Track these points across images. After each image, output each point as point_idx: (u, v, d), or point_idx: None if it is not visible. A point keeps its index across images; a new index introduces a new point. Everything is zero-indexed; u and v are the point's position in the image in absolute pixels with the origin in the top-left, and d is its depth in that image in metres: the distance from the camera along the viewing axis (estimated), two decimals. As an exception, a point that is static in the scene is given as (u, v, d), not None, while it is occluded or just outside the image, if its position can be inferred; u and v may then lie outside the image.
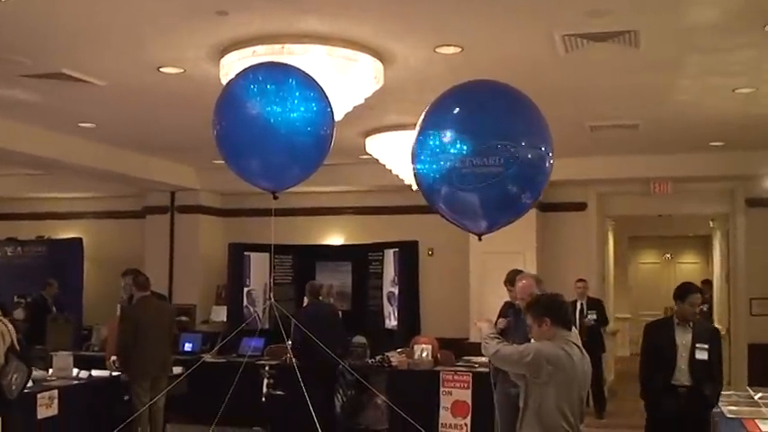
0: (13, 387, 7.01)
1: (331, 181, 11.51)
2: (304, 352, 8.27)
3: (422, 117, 4.36)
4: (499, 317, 7.08)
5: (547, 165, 4.26)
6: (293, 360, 8.03)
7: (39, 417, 7.49)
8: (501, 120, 4.24)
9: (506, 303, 7.12)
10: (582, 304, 11.03)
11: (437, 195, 4.24)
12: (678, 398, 6.36)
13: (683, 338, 6.42)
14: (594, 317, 11.03)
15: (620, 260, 17.71)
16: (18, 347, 7.25)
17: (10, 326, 7.39)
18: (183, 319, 11.42)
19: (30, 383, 7.21)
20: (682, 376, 6.38)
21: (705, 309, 14.40)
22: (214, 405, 5.86)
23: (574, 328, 4.62)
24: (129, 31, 6.05)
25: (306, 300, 9.75)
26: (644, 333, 6.93)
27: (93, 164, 10.64)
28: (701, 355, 6.35)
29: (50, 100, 8.13)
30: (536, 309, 4.44)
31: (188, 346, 10.81)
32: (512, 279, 6.84)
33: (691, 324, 6.46)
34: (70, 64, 6.89)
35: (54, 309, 11.49)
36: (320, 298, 9.58)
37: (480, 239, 4.47)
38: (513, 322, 6.71)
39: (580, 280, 11.19)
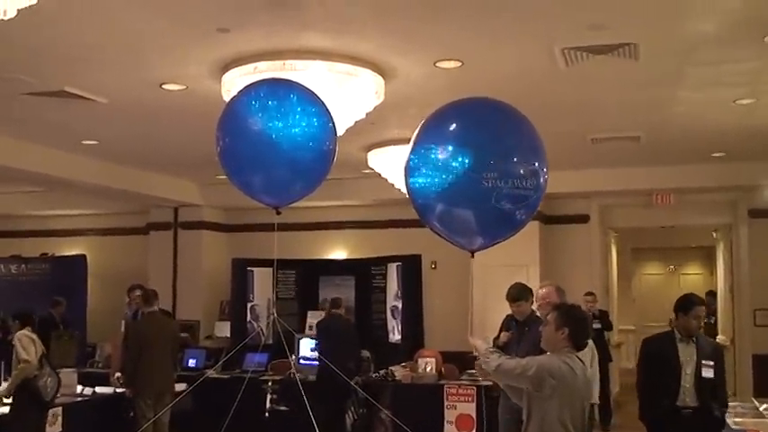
0: (48, 389, 7.19)
1: (334, 195, 11.53)
2: (322, 366, 8.25)
3: (427, 133, 4.30)
4: (501, 331, 7.06)
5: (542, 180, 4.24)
6: (296, 375, 8.03)
7: (43, 434, 7.52)
8: (517, 137, 4.25)
9: (508, 317, 7.08)
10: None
11: (432, 213, 4.21)
12: (684, 421, 5.70)
13: (687, 355, 5.78)
14: (599, 325, 11.04)
15: (623, 272, 17.67)
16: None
17: (37, 340, 7.56)
18: (184, 335, 11.40)
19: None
20: (687, 397, 5.72)
21: (711, 321, 14.43)
22: (218, 420, 5.87)
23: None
24: (130, 48, 6.08)
25: (324, 313, 9.78)
26: (642, 349, 6.24)
27: (97, 181, 10.67)
28: (708, 372, 5.73)
29: (53, 118, 8.16)
30: (563, 315, 4.33)
31: (192, 362, 10.80)
32: (513, 294, 6.83)
33: (694, 338, 5.84)
34: (72, 82, 6.92)
35: (61, 327, 11.47)
36: (339, 311, 9.64)
37: (473, 256, 4.42)
38: (515, 336, 6.69)
39: (589, 293, 11.21)
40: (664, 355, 5.85)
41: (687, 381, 5.72)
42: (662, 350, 5.90)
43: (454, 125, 4.25)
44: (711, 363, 5.76)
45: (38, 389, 7.17)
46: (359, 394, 9.10)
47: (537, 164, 4.15)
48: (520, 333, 6.60)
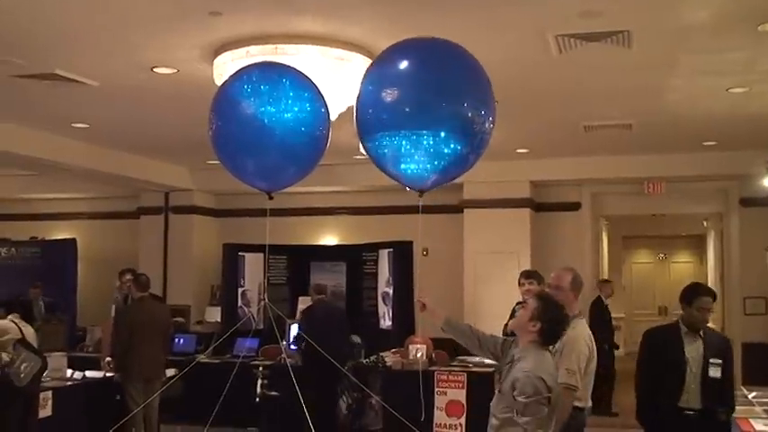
0: (22, 375, 7.15)
1: (326, 181, 11.51)
2: (311, 351, 8.24)
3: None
4: (511, 317, 6.96)
5: None
6: (287, 360, 8.03)
7: (33, 418, 7.51)
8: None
9: (518, 304, 6.99)
10: (608, 304, 11.64)
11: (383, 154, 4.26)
12: (686, 424, 5.26)
13: (693, 351, 5.29)
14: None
15: (614, 260, 17.75)
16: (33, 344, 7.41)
17: (24, 326, 7.52)
18: (179, 319, 11.39)
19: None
20: (691, 398, 5.26)
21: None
22: (208, 406, 5.85)
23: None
24: (122, 31, 6.04)
25: (311, 299, 9.76)
26: (643, 342, 5.63)
27: (87, 164, 10.63)
28: (715, 372, 5.25)
29: (43, 100, 8.11)
30: (542, 309, 4.14)
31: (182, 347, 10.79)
32: (529, 271, 6.82)
33: (701, 333, 5.35)
34: (63, 64, 6.88)
35: (43, 311, 11.39)
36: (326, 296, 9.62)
37: (421, 196, 4.38)
38: None
39: (606, 281, 11.89)
40: (667, 349, 5.34)
41: (693, 381, 5.26)
42: (665, 344, 5.39)
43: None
44: (719, 361, 5.29)
45: (8, 375, 7.12)
46: (350, 379, 9.10)
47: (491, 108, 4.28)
48: None
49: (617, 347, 12.07)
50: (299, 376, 5.13)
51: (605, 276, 14.57)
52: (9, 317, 7.56)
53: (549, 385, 3.97)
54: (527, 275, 6.81)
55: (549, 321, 4.13)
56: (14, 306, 7.74)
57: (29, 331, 7.61)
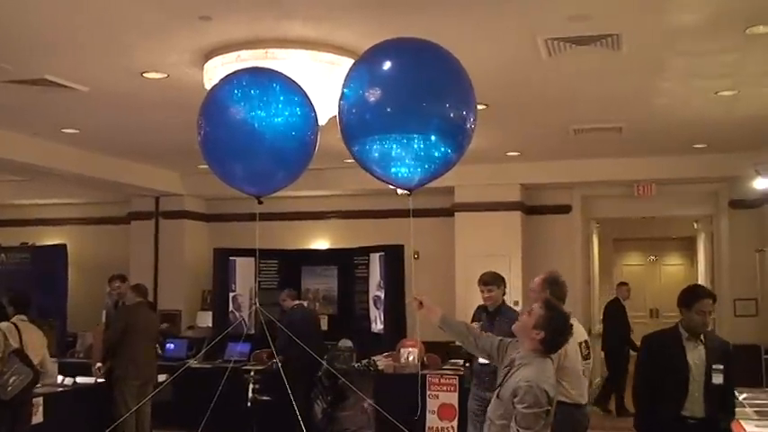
0: (9, 388, 7.03)
1: (316, 185, 11.52)
2: (290, 354, 8.27)
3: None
4: (472, 321, 7.01)
5: None
6: (278, 364, 8.03)
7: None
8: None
9: (479, 308, 7.06)
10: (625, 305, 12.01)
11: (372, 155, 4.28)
12: None
13: (696, 358, 5.14)
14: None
15: (604, 262, 17.74)
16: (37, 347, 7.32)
17: (26, 329, 7.41)
18: (165, 325, 11.34)
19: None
20: (694, 406, 5.10)
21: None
22: (200, 411, 5.85)
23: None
24: (111, 36, 6.03)
25: (287, 304, 9.75)
26: (642, 347, 5.56)
27: (77, 170, 10.60)
28: (718, 378, 5.10)
29: (33, 106, 8.09)
30: (547, 318, 4.09)
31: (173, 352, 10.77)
32: (486, 278, 6.81)
33: (702, 338, 5.19)
34: (53, 70, 6.87)
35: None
36: (304, 303, 9.62)
37: (410, 194, 4.41)
38: (486, 327, 6.62)
39: (623, 283, 12.36)
40: (668, 357, 5.19)
41: (696, 389, 5.11)
42: (666, 351, 5.24)
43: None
44: (721, 367, 5.14)
45: None
46: (324, 383, 9.10)
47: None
48: (489, 323, 6.57)
49: (636, 350, 11.97)
50: (278, 382, 5.15)
51: (596, 279, 14.61)
52: (15, 317, 7.46)
53: (551, 397, 3.96)
54: (485, 283, 6.76)
55: (554, 332, 4.10)
56: (23, 306, 7.64)
57: (33, 335, 7.51)
